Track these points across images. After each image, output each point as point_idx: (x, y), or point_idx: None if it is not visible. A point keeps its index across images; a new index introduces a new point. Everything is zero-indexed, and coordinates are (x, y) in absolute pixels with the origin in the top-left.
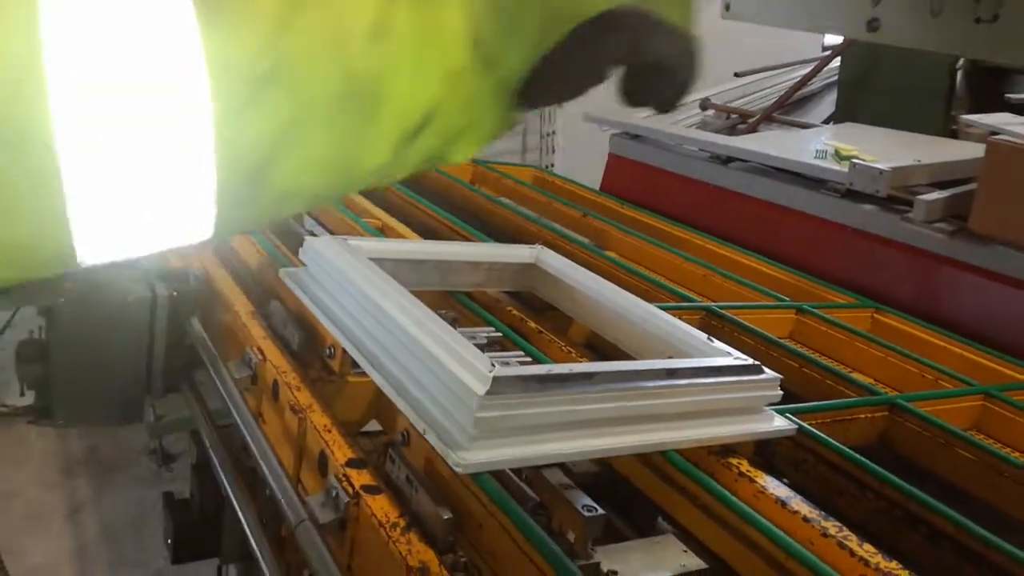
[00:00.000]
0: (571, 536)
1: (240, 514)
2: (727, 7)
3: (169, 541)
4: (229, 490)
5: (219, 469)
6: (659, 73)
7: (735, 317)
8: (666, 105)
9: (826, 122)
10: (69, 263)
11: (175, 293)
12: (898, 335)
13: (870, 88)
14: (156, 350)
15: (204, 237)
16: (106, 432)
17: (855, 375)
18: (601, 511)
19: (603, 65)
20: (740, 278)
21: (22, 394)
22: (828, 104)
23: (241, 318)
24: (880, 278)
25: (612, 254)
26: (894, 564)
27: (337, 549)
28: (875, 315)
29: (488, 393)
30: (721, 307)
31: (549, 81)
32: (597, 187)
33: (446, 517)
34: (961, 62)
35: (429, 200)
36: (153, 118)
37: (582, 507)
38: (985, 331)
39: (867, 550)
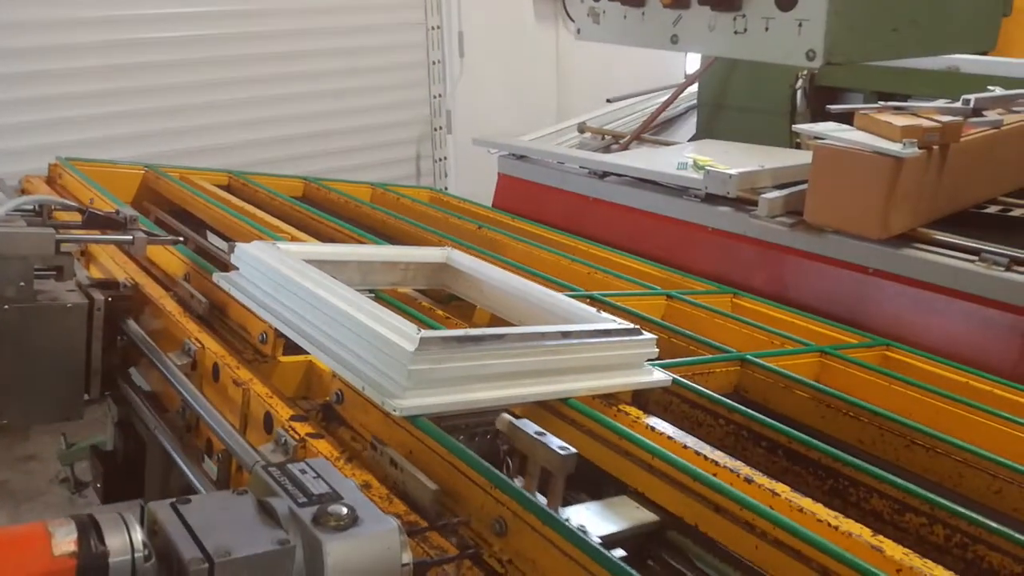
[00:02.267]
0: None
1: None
2: (578, 31)
3: (99, 485)
4: (174, 454)
5: (163, 441)
6: None
7: (615, 303)
8: None
9: (692, 140)
10: None
11: (110, 299)
12: (753, 313)
13: (725, 108)
14: (94, 351)
15: None
16: (15, 465)
17: (717, 343)
18: (574, 450)
19: None
20: (619, 273)
21: None
22: (693, 124)
23: (175, 316)
24: (736, 268)
25: (508, 259)
26: (766, 479)
27: None
28: (734, 299)
29: (417, 350)
30: (603, 295)
31: None
32: (489, 204)
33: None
34: (799, 83)
35: (332, 217)
36: None
37: (558, 448)
38: (823, 306)
39: (728, 462)
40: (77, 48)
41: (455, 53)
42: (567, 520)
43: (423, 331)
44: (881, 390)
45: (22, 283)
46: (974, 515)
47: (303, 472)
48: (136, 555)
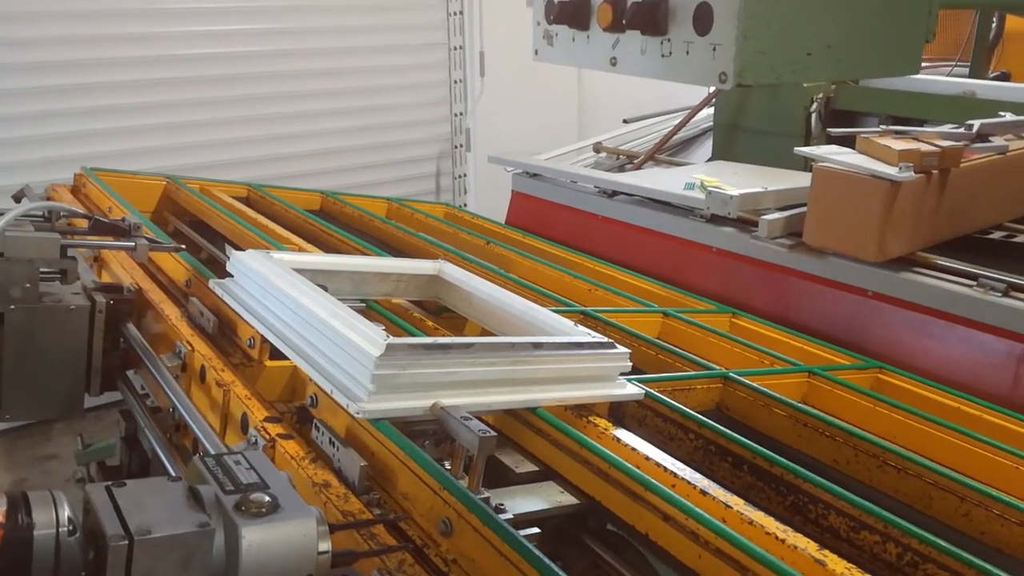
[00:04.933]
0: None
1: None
2: (536, 52)
3: None
4: (160, 451)
5: (150, 437)
6: None
7: (607, 318)
8: None
9: (708, 161)
10: None
11: (111, 302)
12: (748, 333)
13: (740, 130)
14: (95, 352)
15: None
16: (35, 464)
17: (706, 361)
18: (493, 433)
19: None
20: (619, 291)
21: None
22: (711, 146)
23: (171, 320)
24: (737, 288)
25: (513, 275)
26: (721, 492)
27: None
28: (732, 319)
29: (382, 356)
30: (596, 311)
31: None
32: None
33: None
34: (814, 106)
35: (345, 231)
36: None
37: (478, 431)
38: (822, 328)
39: (688, 475)
40: (106, 63)
41: (476, 73)
42: (499, 507)
43: (391, 338)
44: (867, 412)
45: (28, 285)
46: (925, 534)
47: (237, 464)
48: (61, 530)
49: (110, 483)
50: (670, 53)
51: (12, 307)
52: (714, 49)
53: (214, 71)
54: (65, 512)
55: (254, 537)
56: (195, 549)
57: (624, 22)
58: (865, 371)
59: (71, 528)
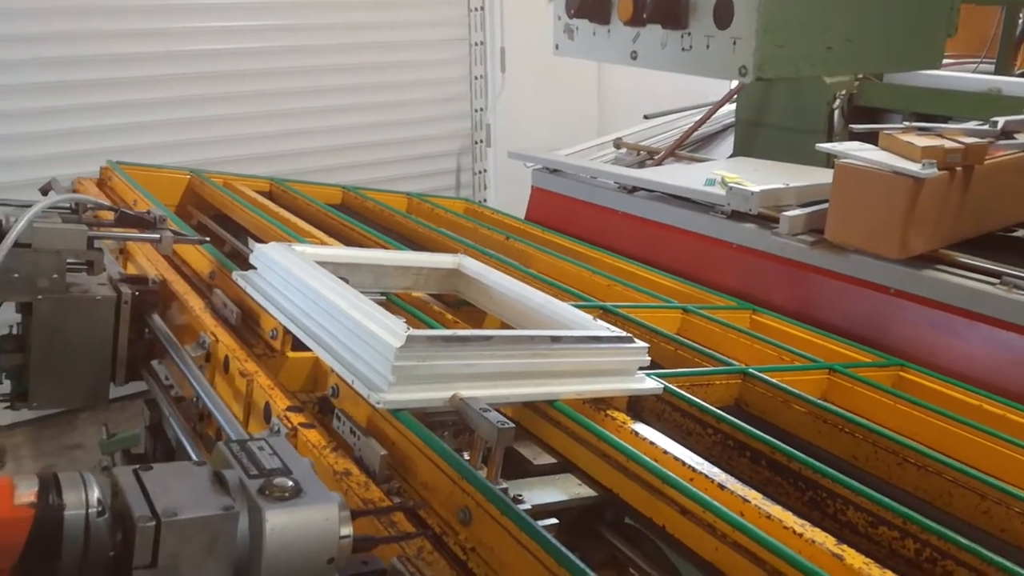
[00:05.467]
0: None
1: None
2: (556, 47)
3: None
4: (184, 440)
5: (174, 426)
6: None
7: (626, 313)
8: None
9: (730, 158)
10: None
11: (137, 293)
12: (768, 330)
13: (762, 126)
14: (120, 342)
15: None
16: (61, 452)
17: (725, 357)
18: (512, 424)
19: None
20: (639, 287)
21: None
22: (732, 142)
23: (195, 311)
24: (758, 285)
25: (532, 270)
26: (739, 486)
27: None
28: (753, 316)
29: (403, 347)
30: (617, 306)
31: None
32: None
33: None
34: (837, 102)
35: (365, 225)
36: None
37: (497, 422)
38: (843, 325)
39: (705, 469)
40: (132, 59)
41: (497, 68)
42: (517, 497)
43: (411, 330)
44: (888, 409)
45: (55, 275)
46: (944, 530)
47: (261, 449)
48: (90, 510)
49: (137, 466)
50: (690, 47)
51: (40, 297)
52: (734, 43)
53: (237, 67)
54: (95, 494)
55: (277, 520)
56: (220, 531)
57: (644, 16)
58: (886, 369)
59: (100, 509)
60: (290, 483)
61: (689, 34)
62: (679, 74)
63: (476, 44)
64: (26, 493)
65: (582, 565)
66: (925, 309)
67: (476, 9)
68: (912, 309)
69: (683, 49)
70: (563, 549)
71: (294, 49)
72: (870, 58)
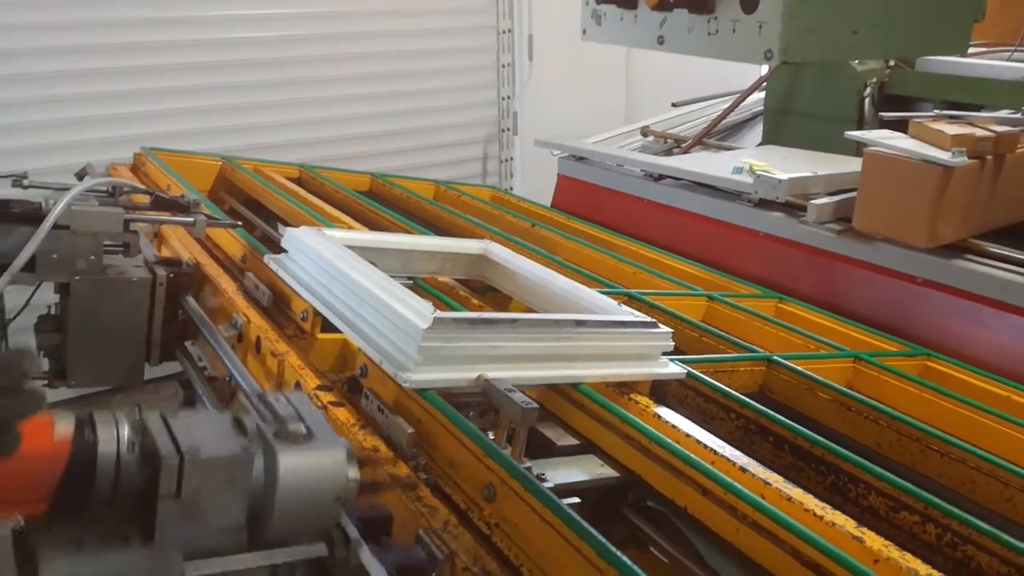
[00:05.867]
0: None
1: None
2: (584, 32)
3: None
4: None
5: (208, 405)
6: None
7: (651, 300)
8: None
9: (758, 146)
10: None
11: (172, 275)
12: (794, 318)
13: (792, 114)
14: (155, 323)
15: None
16: None
17: (750, 344)
18: (536, 404)
19: None
20: (664, 274)
21: None
22: (761, 130)
23: (228, 293)
24: (784, 273)
25: (558, 257)
26: (761, 469)
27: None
28: (779, 304)
29: (430, 328)
30: (642, 293)
31: None
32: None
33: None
34: (868, 91)
35: (393, 212)
36: None
37: (521, 402)
38: (869, 315)
39: (727, 452)
40: (164, 46)
41: (525, 56)
42: (540, 476)
43: (438, 311)
44: (913, 398)
45: (92, 257)
46: (966, 515)
47: (278, 400)
48: (121, 447)
49: (164, 411)
50: (717, 31)
51: (77, 278)
52: (760, 27)
53: (267, 54)
54: (126, 432)
55: (290, 461)
56: (238, 469)
57: (672, 1)
58: (913, 358)
59: (130, 446)
60: (303, 429)
61: (716, 18)
62: (708, 62)
63: (504, 32)
64: (64, 430)
65: (604, 540)
66: (953, 299)
67: None
68: (940, 299)
69: (709, 33)
70: (585, 524)
71: (324, 37)
72: (896, 43)
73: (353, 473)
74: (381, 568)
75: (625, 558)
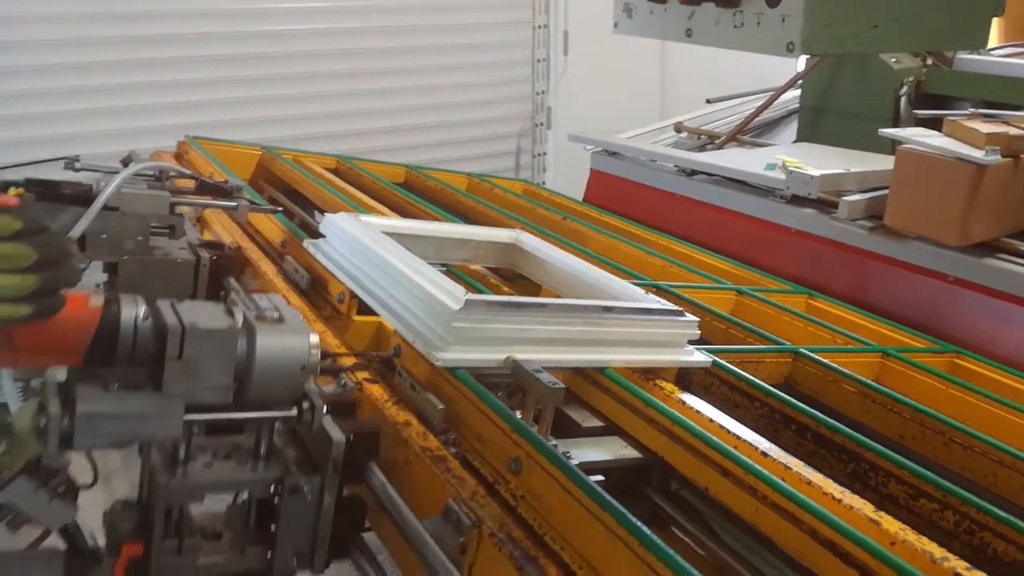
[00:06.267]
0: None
1: None
2: (615, 25)
3: None
4: None
5: None
6: None
7: (679, 292)
8: None
9: (793, 143)
10: None
11: (215, 257)
12: (823, 313)
13: (827, 113)
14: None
15: None
16: None
17: (777, 337)
18: (562, 385)
19: None
20: (694, 268)
21: None
22: (796, 128)
23: (268, 276)
24: (815, 270)
25: (588, 250)
26: (782, 454)
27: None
28: (809, 300)
29: (461, 310)
30: (671, 285)
31: None
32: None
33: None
34: (904, 89)
35: (427, 202)
36: None
37: (548, 382)
38: (900, 312)
39: (750, 437)
40: (206, 38)
41: (560, 51)
42: (565, 454)
43: (469, 294)
44: (939, 393)
45: (140, 238)
46: (983, 503)
47: (260, 298)
48: (138, 318)
49: (174, 299)
50: (742, 24)
51: (125, 258)
52: (783, 20)
53: (305, 47)
54: (142, 308)
55: (265, 337)
56: (226, 340)
57: None
58: (942, 355)
59: (146, 317)
60: (277, 314)
61: (741, 12)
62: (743, 60)
63: (540, 27)
64: (96, 302)
65: (624, 511)
66: (985, 298)
67: None
68: (971, 297)
69: (735, 27)
70: (606, 496)
71: (363, 31)
72: (915, 37)
73: (315, 349)
74: (338, 429)
75: (643, 527)
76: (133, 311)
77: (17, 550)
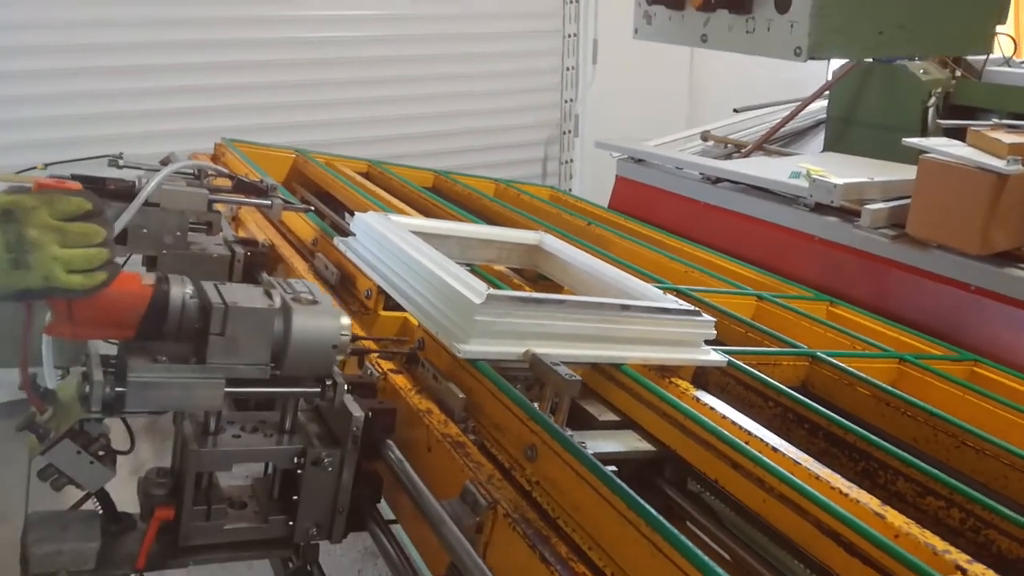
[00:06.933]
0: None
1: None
2: (636, 31)
3: None
4: None
5: None
6: None
7: (700, 296)
8: None
9: (820, 153)
10: None
11: (249, 254)
12: (843, 320)
13: (854, 123)
14: None
15: None
16: None
17: (795, 341)
18: (578, 377)
19: None
20: (716, 274)
21: None
22: (823, 138)
23: (299, 272)
24: (837, 278)
25: (611, 254)
26: (792, 450)
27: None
28: (830, 307)
29: (483, 304)
30: (691, 290)
31: None
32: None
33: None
34: (932, 100)
35: (454, 206)
36: None
37: (565, 375)
38: (921, 321)
39: (761, 433)
40: (242, 44)
41: (589, 60)
42: (583, 444)
43: (491, 289)
44: (955, 399)
45: (178, 233)
46: (989, 501)
47: (296, 283)
48: (186, 296)
49: (216, 282)
50: (753, 30)
51: (164, 252)
52: (792, 26)
53: (339, 54)
54: (189, 288)
55: (300, 316)
56: (265, 319)
57: (714, 2)
58: (960, 363)
59: (192, 296)
60: (311, 297)
61: (753, 18)
62: (771, 70)
63: (569, 36)
64: (147, 280)
65: (634, 494)
66: (1006, 307)
67: (571, 1)
68: (992, 307)
69: (747, 32)
70: (619, 482)
71: (392, 38)
72: (920, 43)
73: (346, 330)
74: (358, 407)
75: (651, 509)
76: (182, 289)
77: (59, 511)
